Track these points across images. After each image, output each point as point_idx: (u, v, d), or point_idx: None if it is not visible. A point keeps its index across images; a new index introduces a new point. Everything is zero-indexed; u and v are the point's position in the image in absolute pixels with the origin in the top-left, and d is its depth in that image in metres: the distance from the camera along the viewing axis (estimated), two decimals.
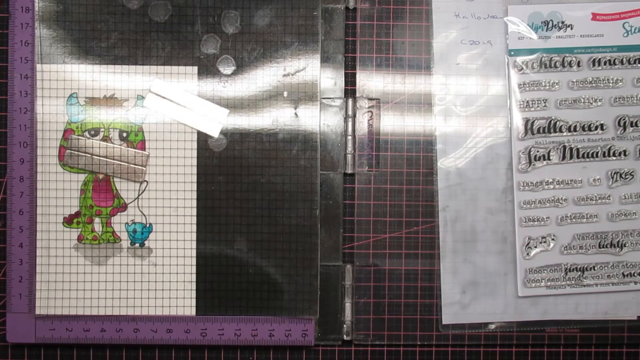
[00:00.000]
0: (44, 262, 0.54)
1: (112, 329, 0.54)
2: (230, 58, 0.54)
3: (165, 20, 0.53)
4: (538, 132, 0.54)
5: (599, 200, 0.55)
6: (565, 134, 0.54)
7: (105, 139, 0.54)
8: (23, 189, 0.53)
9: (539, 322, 0.55)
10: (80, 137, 0.53)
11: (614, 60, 0.54)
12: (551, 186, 0.54)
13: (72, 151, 0.53)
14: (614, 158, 0.54)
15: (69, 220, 0.54)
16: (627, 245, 0.55)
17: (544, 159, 0.54)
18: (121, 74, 0.53)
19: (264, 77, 0.54)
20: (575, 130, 0.54)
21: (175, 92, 0.53)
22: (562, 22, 0.54)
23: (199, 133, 0.54)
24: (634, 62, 0.54)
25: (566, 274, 0.55)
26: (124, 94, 0.54)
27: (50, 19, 0.53)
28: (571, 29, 0.54)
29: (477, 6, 0.54)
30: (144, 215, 0.54)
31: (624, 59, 0.54)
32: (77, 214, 0.54)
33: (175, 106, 0.53)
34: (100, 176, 0.54)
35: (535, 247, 0.54)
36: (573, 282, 0.55)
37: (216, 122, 0.53)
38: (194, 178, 0.54)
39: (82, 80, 0.53)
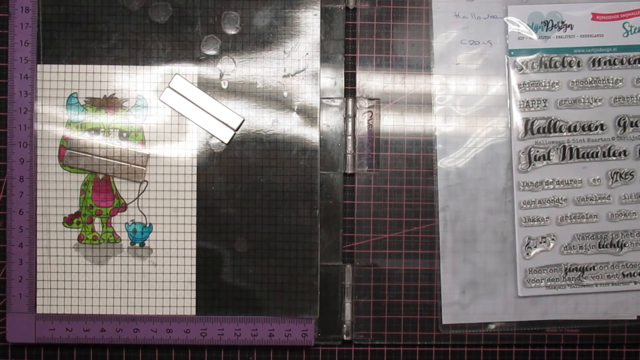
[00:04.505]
0: (44, 262, 0.54)
1: (112, 329, 0.54)
2: (230, 59, 0.54)
3: (165, 21, 0.53)
4: (538, 132, 0.54)
5: (599, 200, 0.54)
6: (565, 134, 0.54)
7: (105, 139, 0.54)
8: (23, 189, 0.53)
9: (539, 322, 0.55)
10: (80, 137, 0.53)
11: (614, 60, 0.54)
12: (551, 186, 0.54)
13: (72, 151, 0.53)
14: (614, 158, 0.54)
15: (69, 220, 0.54)
16: (627, 245, 0.55)
17: (544, 159, 0.54)
18: (121, 75, 0.53)
19: (264, 77, 0.54)
20: (575, 130, 0.54)
21: (194, 92, 0.53)
22: (562, 22, 0.54)
23: (199, 133, 0.54)
24: (634, 62, 0.54)
25: (566, 274, 0.55)
26: (124, 94, 0.54)
27: (50, 19, 0.53)
28: (571, 29, 0.54)
29: (477, 6, 0.54)
30: (144, 215, 0.54)
31: (624, 59, 0.54)
32: (77, 214, 0.54)
33: (191, 105, 0.53)
34: (100, 176, 0.54)
35: (535, 247, 0.54)
36: (573, 282, 0.55)
37: (228, 128, 0.53)
38: (194, 178, 0.54)
39: (82, 81, 0.53)
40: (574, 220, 0.54)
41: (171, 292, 0.54)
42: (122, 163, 0.54)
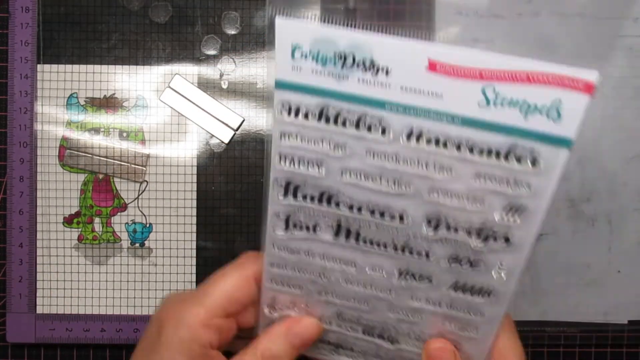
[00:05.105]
0: (44, 262, 0.54)
1: (112, 329, 0.54)
2: (230, 59, 0.54)
3: (165, 21, 0.53)
4: (304, 198, 0.36)
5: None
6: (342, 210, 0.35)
7: (105, 139, 0.54)
8: (23, 189, 0.53)
9: (539, 322, 0.55)
10: (80, 137, 0.53)
11: (446, 142, 0.32)
12: None
13: (72, 151, 0.53)
14: None
15: (69, 220, 0.54)
16: None
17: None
18: (121, 75, 0.53)
19: (264, 77, 0.54)
20: (359, 211, 0.35)
21: (194, 92, 0.53)
22: (371, 62, 0.32)
23: (199, 133, 0.54)
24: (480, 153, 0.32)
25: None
26: (124, 94, 0.54)
27: (50, 19, 0.53)
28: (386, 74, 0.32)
29: (481, 3, 0.54)
30: (144, 215, 0.54)
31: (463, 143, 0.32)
32: (77, 214, 0.54)
33: (191, 105, 0.53)
34: (100, 176, 0.54)
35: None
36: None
37: (228, 128, 0.53)
38: (194, 178, 0.54)
39: (82, 81, 0.53)
40: None
41: (171, 292, 0.54)
42: (122, 163, 0.54)
